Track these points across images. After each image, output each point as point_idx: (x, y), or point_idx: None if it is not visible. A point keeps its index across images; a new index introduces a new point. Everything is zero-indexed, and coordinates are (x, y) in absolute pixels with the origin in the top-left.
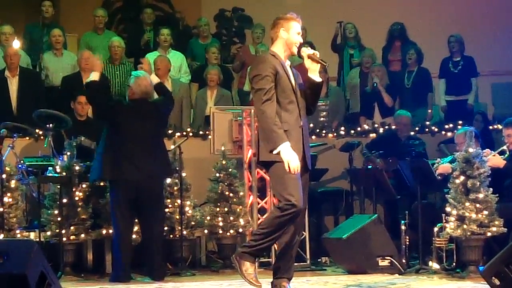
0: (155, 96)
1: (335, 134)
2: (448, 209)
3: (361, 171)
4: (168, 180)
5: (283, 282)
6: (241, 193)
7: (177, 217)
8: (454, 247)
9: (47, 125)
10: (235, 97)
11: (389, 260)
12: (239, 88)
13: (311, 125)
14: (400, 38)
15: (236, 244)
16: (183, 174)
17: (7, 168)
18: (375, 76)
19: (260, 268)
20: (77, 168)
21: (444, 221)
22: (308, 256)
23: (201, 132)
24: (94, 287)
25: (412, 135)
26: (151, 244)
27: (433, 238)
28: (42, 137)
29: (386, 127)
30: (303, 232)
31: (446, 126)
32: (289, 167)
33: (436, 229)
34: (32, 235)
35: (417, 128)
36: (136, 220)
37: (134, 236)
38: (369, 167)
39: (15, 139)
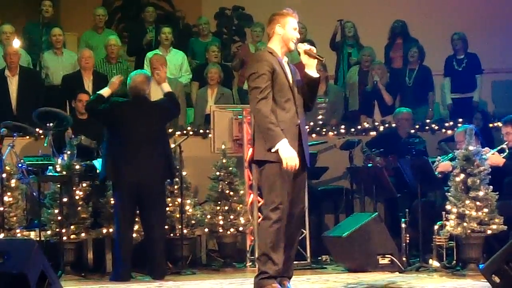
0: (155, 96)
1: (335, 132)
2: (448, 207)
3: (362, 169)
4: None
5: (283, 281)
6: (242, 192)
7: (178, 216)
8: (454, 245)
9: (47, 124)
10: (236, 96)
11: (389, 258)
12: (239, 87)
13: (311, 123)
14: (401, 35)
15: (236, 243)
16: (184, 173)
17: (7, 168)
18: (375, 75)
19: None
20: (77, 167)
21: (444, 219)
22: (308, 255)
23: (201, 131)
24: (95, 286)
25: (412, 133)
26: (152, 243)
27: (433, 236)
28: (42, 136)
29: (386, 125)
30: (303, 231)
31: (446, 124)
32: (287, 165)
33: (436, 227)
34: (32, 234)
35: (417, 126)
36: (137, 219)
37: (134, 235)
38: (370, 165)
39: (15, 138)
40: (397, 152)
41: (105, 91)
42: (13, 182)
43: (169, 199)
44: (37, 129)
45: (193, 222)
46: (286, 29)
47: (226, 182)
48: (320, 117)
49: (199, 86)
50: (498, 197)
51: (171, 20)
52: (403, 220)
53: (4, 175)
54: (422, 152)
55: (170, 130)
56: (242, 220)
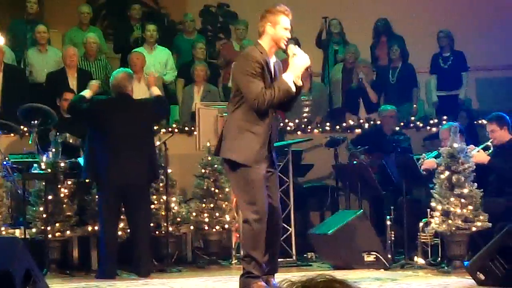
0: (139, 96)
1: (320, 129)
2: (433, 204)
3: (347, 166)
4: None
5: (269, 278)
6: (227, 189)
7: (163, 213)
8: (439, 242)
9: (32, 122)
10: (222, 93)
11: (374, 256)
12: (223, 83)
13: (296, 121)
14: (385, 33)
15: (222, 240)
16: (169, 171)
17: None
18: (361, 72)
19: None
20: (62, 164)
21: (429, 216)
22: (294, 252)
23: (186, 128)
24: (80, 284)
25: (397, 130)
26: (137, 241)
27: (418, 233)
28: (27, 134)
29: (371, 122)
30: (289, 228)
31: (431, 122)
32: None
33: (421, 224)
34: (17, 232)
35: (402, 124)
36: (122, 217)
37: (120, 232)
38: (355, 162)
39: None
40: (382, 149)
41: (87, 93)
42: None
43: (154, 197)
44: (21, 127)
45: (178, 219)
46: (277, 29)
47: (212, 180)
48: (305, 114)
49: (185, 83)
50: (483, 194)
51: (156, 17)
52: (388, 217)
53: None
54: (407, 150)
55: (155, 128)
56: (227, 217)
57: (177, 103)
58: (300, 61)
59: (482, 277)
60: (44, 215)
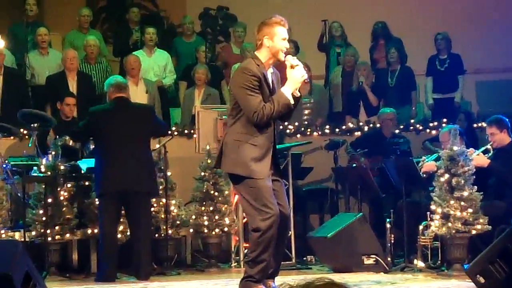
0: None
1: (320, 132)
2: (433, 207)
3: (346, 169)
4: None
5: (269, 281)
6: (226, 192)
7: (163, 216)
8: (439, 245)
9: (32, 125)
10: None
11: (374, 259)
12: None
13: (296, 123)
14: (383, 36)
15: (221, 243)
16: (168, 173)
17: None
18: (361, 75)
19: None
20: (62, 167)
21: (429, 219)
22: (293, 255)
23: (186, 131)
24: (80, 287)
25: (396, 133)
26: (137, 244)
27: (418, 236)
28: (26, 137)
29: (371, 125)
30: (289, 231)
31: (431, 124)
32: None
33: (421, 227)
34: (17, 235)
35: (401, 126)
36: (122, 220)
37: (119, 235)
38: (354, 165)
39: None
40: (382, 152)
41: None
42: None
43: (154, 200)
44: (21, 130)
45: (178, 222)
46: (275, 41)
47: (211, 183)
48: (305, 117)
49: (187, 86)
50: (483, 197)
51: (155, 20)
52: (388, 220)
53: None
54: (406, 152)
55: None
56: (227, 220)
57: (178, 106)
58: (298, 73)
59: (482, 280)
60: (44, 218)
